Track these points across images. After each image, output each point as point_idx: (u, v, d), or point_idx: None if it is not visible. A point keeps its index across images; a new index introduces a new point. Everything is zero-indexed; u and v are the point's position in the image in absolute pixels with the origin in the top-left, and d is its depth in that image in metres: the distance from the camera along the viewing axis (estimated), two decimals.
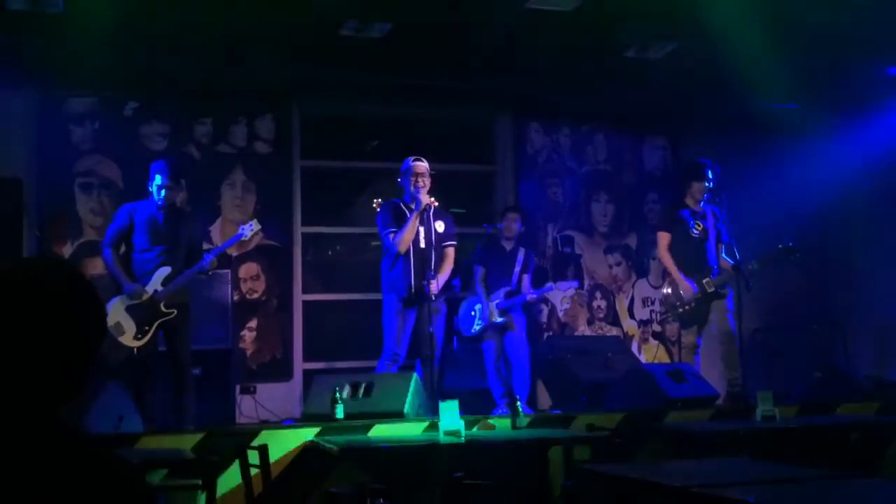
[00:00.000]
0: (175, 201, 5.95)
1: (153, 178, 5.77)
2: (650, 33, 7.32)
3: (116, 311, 5.58)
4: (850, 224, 8.81)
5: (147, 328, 5.62)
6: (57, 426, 1.34)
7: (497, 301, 6.91)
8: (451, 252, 6.39)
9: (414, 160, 6.28)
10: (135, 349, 5.60)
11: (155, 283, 5.69)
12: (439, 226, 6.34)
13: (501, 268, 7.04)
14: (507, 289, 6.95)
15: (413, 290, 6.12)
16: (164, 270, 5.72)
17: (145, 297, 5.64)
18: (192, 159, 7.67)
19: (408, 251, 6.16)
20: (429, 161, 6.41)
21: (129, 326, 5.59)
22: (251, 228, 5.97)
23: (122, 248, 5.79)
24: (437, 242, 6.29)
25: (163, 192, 5.73)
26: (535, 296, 7.00)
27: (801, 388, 7.00)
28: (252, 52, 7.13)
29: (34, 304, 1.36)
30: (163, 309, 5.67)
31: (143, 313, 5.63)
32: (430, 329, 5.99)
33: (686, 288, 6.64)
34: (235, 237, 6.04)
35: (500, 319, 6.87)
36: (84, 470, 1.31)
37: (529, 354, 6.99)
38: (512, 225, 7.12)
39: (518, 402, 5.25)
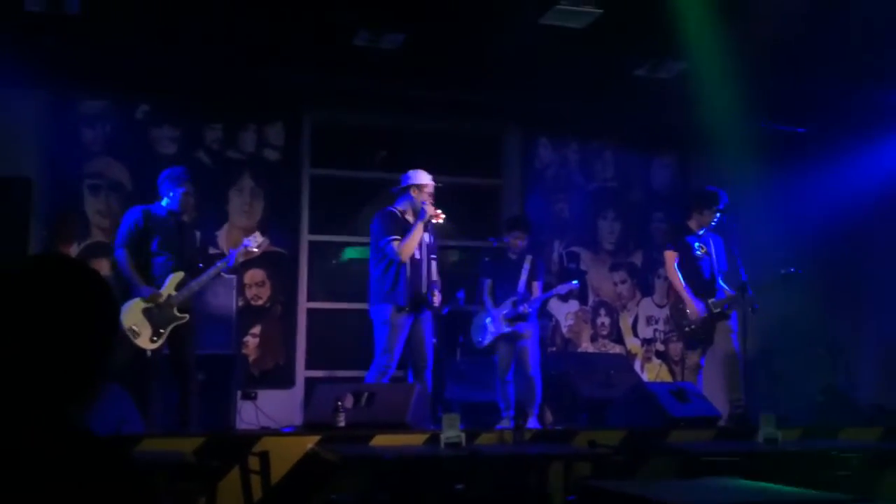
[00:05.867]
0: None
1: (172, 185, 5.80)
2: (661, 53, 7.34)
3: (133, 314, 5.55)
4: (855, 248, 8.80)
5: (162, 331, 5.62)
6: (68, 425, 1.34)
7: (505, 311, 6.91)
8: (434, 265, 6.41)
9: (432, 179, 6.35)
10: (148, 352, 5.59)
11: (169, 288, 5.70)
12: (427, 237, 6.38)
13: (508, 279, 7.04)
14: (514, 298, 6.94)
15: (414, 300, 6.12)
16: (178, 275, 5.73)
17: (161, 300, 5.64)
18: (201, 164, 7.70)
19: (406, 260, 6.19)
20: (436, 173, 6.52)
21: (146, 329, 5.57)
22: (255, 240, 5.99)
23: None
24: (428, 254, 6.33)
25: (185, 200, 5.81)
26: (536, 304, 6.97)
27: (804, 411, 6.99)
28: (264, 59, 7.16)
29: (48, 301, 1.37)
30: (176, 313, 5.68)
31: (158, 316, 5.62)
32: (434, 339, 6.02)
33: (694, 309, 6.64)
34: (239, 247, 6.00)
35: (507, 329, 6.87)
36: (94, 469, 1.31)
37: (541, 366, 6.94)
38: (517, 242, 7.11)
39: (525, 417, 5.24)
